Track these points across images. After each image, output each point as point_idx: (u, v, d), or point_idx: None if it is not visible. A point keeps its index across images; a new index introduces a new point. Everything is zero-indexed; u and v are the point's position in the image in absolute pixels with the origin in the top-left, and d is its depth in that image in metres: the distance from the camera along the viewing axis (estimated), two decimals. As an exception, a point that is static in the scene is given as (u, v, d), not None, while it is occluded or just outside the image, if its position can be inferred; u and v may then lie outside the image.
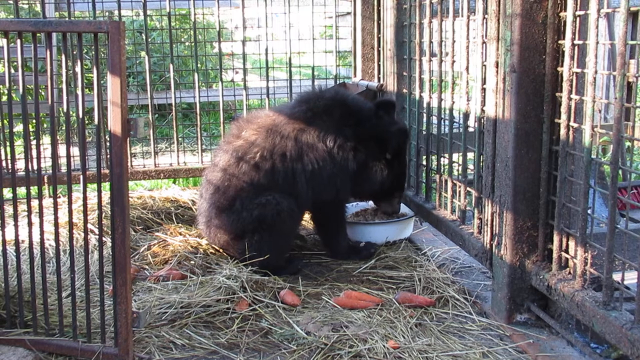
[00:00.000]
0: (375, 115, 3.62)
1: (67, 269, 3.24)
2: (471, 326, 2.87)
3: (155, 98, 5.15)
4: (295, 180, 3.45)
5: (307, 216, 4.14)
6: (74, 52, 4.54)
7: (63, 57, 2.41)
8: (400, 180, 3.80)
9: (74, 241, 2.75)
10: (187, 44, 7.99)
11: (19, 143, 5.58)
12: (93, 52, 2.40)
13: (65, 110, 2.47)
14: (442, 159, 3.67)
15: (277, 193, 3.42)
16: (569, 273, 2.58)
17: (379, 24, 4.70)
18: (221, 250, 3.64)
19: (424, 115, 3.83)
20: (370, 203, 4.18)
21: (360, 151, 3.53)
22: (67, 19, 4.73)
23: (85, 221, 2.56)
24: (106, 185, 4.19)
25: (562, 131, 2.53)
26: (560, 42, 2.57)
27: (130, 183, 5.33)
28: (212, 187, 3.55)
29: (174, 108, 4.95)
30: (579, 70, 2.45)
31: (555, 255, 2.63)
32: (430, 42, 3.66)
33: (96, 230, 3.76)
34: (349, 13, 5.24)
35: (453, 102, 3.46)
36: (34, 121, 4.54)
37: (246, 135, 3.54)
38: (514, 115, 2.68)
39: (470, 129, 3.34)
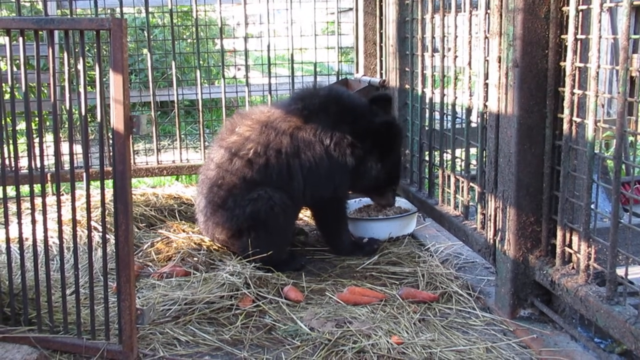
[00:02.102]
0: (370, 111, 3.62)
1: (71, 266, 3.25)
2: (475, 321, 2.87)
3: (157, 95, 5.15)
4: (290, 176, 3.45)
5: (309, 212, 4.14)
6: (76, 50, 4.55)
7: (65, 54, 2.41)
8: (394, 173, 3.80)
9: (78, 239, 2.76)
10: (189, 40, 7.98)
11: (22, 141, 5.59)
12: (95, 50, 2.40)
13: (67, 107, 2.47)
14: (444, 154, 3.67)
15: (270, 187, 3.41)
16: (573, 268, 2.58)
17: (381, 20, 4.69)
18: (224, 247, 3.64)
19: (427, 110, 3.83)
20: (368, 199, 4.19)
21: (358, 147, 3.52)
22: (69, 16, 4.74)
23: (89, 218, 2.56)
24: (109, 183, 4.19)
25: (565, 126, 2.52)
26: (563, 36, 2.56)
27: (133, 180, 5.33)
28: (208, 183, 3.55)
29: (176, 105, 4.95)
30: (581, 64, 2.45)
31: (558, 250, 2.63)
32: (433, 37, 3.66)
33: (100, 228, 3.76)
34: (351, 9, 5.23)
35: (455, 98, 3.45)
36: (36, 119, 4.56)
37: (240, 131, 3.54)
38: (516, 110, 2.67)
39: (473, 124, 3.34)
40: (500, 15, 2.80)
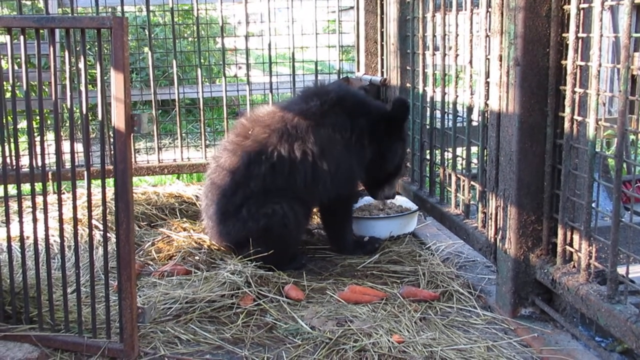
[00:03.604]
0: (373, 101, 3.75)
1: (72, 264, 3.25)
2: (476, 320, 2.87)
3: (158, 94, 5.14)
4: (315, 179, 3.39)
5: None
6: (77, 49, 4.55)
7: (66, 53, 2.41)
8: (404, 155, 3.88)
9: (79, 237, 2.76)
10: (190, 39, 7.99)
11: (23, 139, 5.59)
12: (96, 48, 2.40)
13: (69, 106, 2.47)
14: (445, 153, 3.66)
15: (286, 201, 3.35)
16: (574, 267, 2.57)
17: (382, 18, 4.69)
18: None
19: (428, 109, 3.82)
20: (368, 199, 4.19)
21: (378, 135, 3.55)
22: (70, 15, 4.74)
23: (90, 217, 2.57)
24: (110, 181, 4.18)
25: (566, 124, 2.52)
26: (564, 35, 2.56)
27: (134, 179, 5.34)
28: (219, 190, 3.46)
29: (177, 104, 4.95)
30: (583, 63, 2.45)
31: (559, 249, 2.63)
32: (434, 35, 3.65)
33: (101, 226, 3.76)
34: (352, 7, 5.23)
35: (457, 96, 3.45)
36: (37, 117, 4.56)
37: (255, 135, 3.43)
38: (517, 109, 2.67)
39: (474, 123, 3.33)
40: (502, 13, 2.80)
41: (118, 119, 2.33)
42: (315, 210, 3.85)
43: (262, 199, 3.36)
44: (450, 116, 3.51)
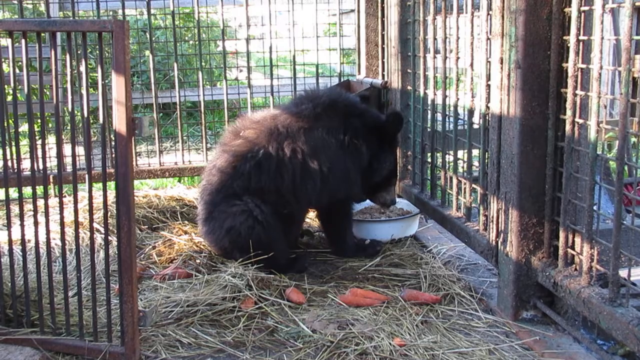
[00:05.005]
0: (368, 107, 3.70)
1: (73, 268, 3.25)
2: (477, 323, 2.87)
3: (159, 97, 5.16)
4: (304, 178, 3.38)
5: (311, 214, 4.14)
6: (79, 52, 4.55)
7: (67, 56, 2.41)
8: (396, 163, 3.83)
9: (80, 240, 2.76)
10: (191, 42, 8.00)
11: (24, 143, 5.59)
12: (97, 52, 2.40)
13: (70, 109, 2.47)
14: (447, 156, 3.66)
15: (252, 198, 3.31)
16: (575, 269, 2.57)
17: (383, 21, 4.70)
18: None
19: (429, 112, 3.82)
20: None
21: (371, 141, 3.54)
22: (71, 18, 4.74)
23: (91, 220, 2.57)
24: (111, 185, 4.18)
25: (568, 127, 2.52)
26: (565, 37, 2.56)
27: (136, 182, 5.34)
28: (209, 189, 3.49)
29: (178, 107, 4.95)
30: (584, 66, 2.45)
31: (561, 252, 2.63)
32: (435, 38, 3.66)
33: (102, 230, 3.76)
34: (352, 10, 5.24)
35: (457, 99, 3.45)
36: (39, 121, 4.56)
37: (246, 135, 3.45)
38: (519, 112, 2.67)
39: (475, 126, 3.34)
40: (502, 16, 2.80)
41: (119, 122, 2.33)
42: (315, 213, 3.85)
43: (237, 198, 3.34)
44: (452, 119, 3.52)
